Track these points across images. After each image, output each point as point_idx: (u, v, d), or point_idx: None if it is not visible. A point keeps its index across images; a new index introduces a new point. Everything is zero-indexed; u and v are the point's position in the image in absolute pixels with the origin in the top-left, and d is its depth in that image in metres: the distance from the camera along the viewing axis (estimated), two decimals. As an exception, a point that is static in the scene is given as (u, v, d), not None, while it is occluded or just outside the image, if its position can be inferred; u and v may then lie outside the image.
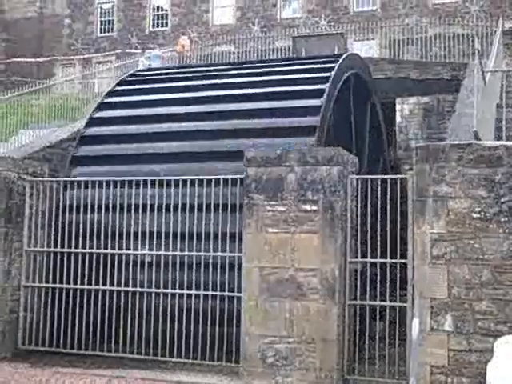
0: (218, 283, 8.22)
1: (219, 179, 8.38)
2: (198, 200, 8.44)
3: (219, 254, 8.28)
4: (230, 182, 8.32)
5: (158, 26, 33.57)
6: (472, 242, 6.65)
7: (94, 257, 8.79)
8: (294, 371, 7.53)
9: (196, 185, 8.48)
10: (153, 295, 8.53)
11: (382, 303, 7.76)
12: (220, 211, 8.29)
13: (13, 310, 8.94)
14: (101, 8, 34.99)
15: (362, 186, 8.02)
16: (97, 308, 8.65)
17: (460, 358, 6.55)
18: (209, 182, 8.44)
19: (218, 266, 8.24)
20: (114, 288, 8.67)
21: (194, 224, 8.43)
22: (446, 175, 6.80)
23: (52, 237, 9.18)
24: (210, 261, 8.30)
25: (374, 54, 24.54)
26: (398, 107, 15.55)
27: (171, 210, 8.54)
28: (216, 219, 8.32)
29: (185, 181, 8.57)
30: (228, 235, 8.23)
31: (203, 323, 8.17)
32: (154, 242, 8.64)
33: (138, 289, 8.60)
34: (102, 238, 8.83)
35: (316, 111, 9.50)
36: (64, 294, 8.88)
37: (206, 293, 8.26)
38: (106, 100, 11.49)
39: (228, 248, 8.23)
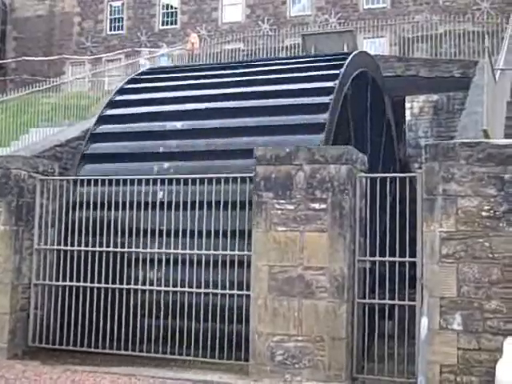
0: (228, 281, 8.24)
1: (228, 178, 8.41)
2: (207, 198, 8.47)
3: (228, 252, 8.30)
4: (238, 180, 8.34)
5: (167, 24, 33.57)
6: (481, 240, 6.64)
7: (104, 255, 8.83)
8: (302, 370, 7.54)
9: (205, 183, 8.51)
10: (162, 293, 8.55)
11: (391, 302, 7.75)
12: (229, 209, 8.31)
13: (23, 308, 8.99)
14: (110, 6, 35.00)
15: (371, 185, 8.01)
16: (107, 306, 8.68)
17: (469, 356, 6.55)
18: (218, 180, 8.47)
19: (227, 264, 8.26)
20: (124, 286, 8.70)
21: (204, 222, 8.46)
22: (455, 173, 6.79)
23: (62, 235, 9.22)
24: (219, 259, 8.32)
25: (384, 52, 24.45)
26: (407, 105, 15.54)
27: (180, 207, 8.57)
28: (225, 217, 8.35)
29: (194, 179, 8.60)
30: (237, 233, 8.26)
31: (212, 321, 8.19)
32: (164, 240, 8.67)
33: (148, 287, 8.63)
34: (112, 236, 8.86)
35: (325, 109, 9.49)
36: (74, 292, 8.91)
37: (215, 291, 8.28)
38: (115, 98, 11.53)
39: (237, 246, 8.25)
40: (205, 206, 8.46)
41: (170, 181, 8.75)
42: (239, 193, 8.26)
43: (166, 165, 9.53)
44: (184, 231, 8.51)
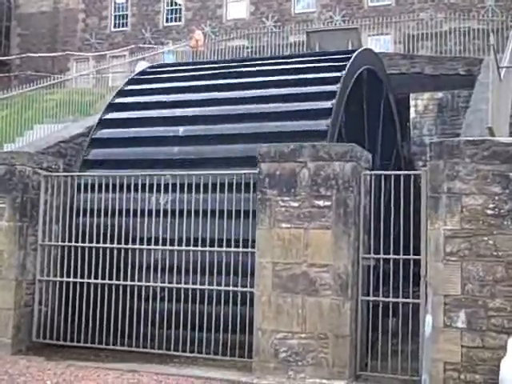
0: (231, 278, 8.24)
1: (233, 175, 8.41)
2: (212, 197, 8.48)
3: (232, 249, 8.30)
4: (243, 177, 8.34)
5: (171, 21, 33.55)
6: (486, 238, 6.63)
7: (108, 251, 8.84)
8: (306, 367, 7.54)
9: (210, 182, 8.49)
10: (166, 289, 8.56)
11: (395, 299, 7.74)
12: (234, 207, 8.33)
13: (28, 304, 9.01)
14: (115, 3, 35.00)
15: (375, 182, 8.00)
16: (111, 302, 8.70)
17: (473, 354, 6.54)
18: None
19: (232, 264, 8.25)
20: (128, 283, 8.72)
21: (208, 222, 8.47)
22: (460, 171, 6.77)
23: (66, 231, 9.23)
24: (223, 259, 8.31)
25: (389, 49, 24.41)
26: (412, 103, 15.48)
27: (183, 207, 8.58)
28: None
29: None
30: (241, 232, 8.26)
31: (216, 318, 8.19)
32: (168, 237, 8.67)
33: (152, 283, 8.64)
34: (116, 233, 8.87)
35: (327, 114, 9.42)
36: (78, 288, 8.93)
37: (218, 288, 8.28)
38: (116, 100, 11.38)
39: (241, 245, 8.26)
40: (208, 211, 8.42)
41: (174, 185, 8.68)
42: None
43: (166, 172, 9.25)
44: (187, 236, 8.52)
